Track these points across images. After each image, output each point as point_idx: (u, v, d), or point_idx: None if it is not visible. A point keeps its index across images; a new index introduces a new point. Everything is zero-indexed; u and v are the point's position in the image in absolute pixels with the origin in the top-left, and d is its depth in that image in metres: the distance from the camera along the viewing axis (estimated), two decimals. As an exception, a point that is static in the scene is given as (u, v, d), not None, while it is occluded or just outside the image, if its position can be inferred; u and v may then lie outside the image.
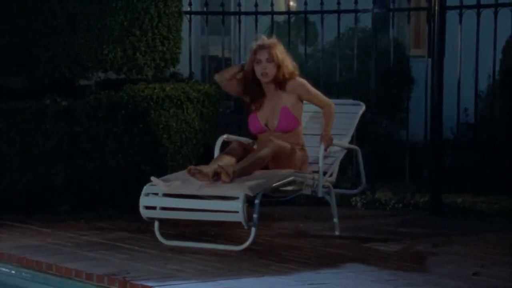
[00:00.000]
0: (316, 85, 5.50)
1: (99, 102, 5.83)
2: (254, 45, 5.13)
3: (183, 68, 6.76)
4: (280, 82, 5.10)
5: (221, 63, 7.15)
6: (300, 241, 5.11)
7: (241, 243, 4.70)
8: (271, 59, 5.06)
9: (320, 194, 5.11)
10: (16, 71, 6.00)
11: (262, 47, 5.10)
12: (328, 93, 5.64)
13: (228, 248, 4.69)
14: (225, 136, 5.42)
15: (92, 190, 5.80)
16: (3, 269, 4.58)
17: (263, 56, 5.07)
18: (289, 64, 5.14)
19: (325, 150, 5.08)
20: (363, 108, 5.59)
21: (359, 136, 6.14)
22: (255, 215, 4.62)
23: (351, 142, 5.61)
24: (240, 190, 4.58)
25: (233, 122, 6.72)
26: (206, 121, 6.30)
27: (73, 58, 5.92)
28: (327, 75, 6.82)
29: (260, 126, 5.14)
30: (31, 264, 4.47)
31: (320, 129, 5.33)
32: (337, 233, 5.26)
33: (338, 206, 5.29)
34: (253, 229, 4.64)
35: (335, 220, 5.26)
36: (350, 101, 5.75)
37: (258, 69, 5.09)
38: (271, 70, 5.08)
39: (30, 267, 4.46)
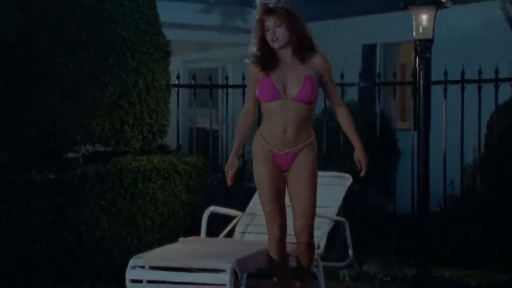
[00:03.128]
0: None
1: (86, 175, 5.83)
2: (258, 10, 4.50)
3: (170, 140, 6.79)
4: (299, 49, 4.48)
5: (208, 135, 7.19)
6: (288, 315, 5.03)
7: (228, 316, 4.63)
8: (280, 22, 4.44)
9: (307, 267, 5.06)
10: (2, 144, 6.00)
11: (267, 11, 4.46)
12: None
13: (214, 322, 4.62)
14: (212, 208, 5.40)
15: (77, 262, 5.74)
16: None
17: (270, 22, 4.46)
18: (307, 32, 4.52)
19: (363, 172, 4.70)
20: (350, 180, 5.61)
21: (346, 208, 6.14)
22: (242, 288, 4.57)
23: (338, 214, 5.60)
24: (227, 262, 4.55)
25: (220, 194, 6.72)
26: (193, 193, 6.29)
27: (61, 131, 5.94)
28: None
29: (275, 91, 4.47)
30: None
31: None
32: (325, 306, 5.20)
33: (326, 279, 5.24)
34: (240, 303, 4.59)
35: (323, 293, 5.20)
36: (337, 173, 5.77)
37: (268, 37, 4.48)
38: (281, 34, 4.45)
39: None
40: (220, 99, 8.94)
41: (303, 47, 4.47)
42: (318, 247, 5.25)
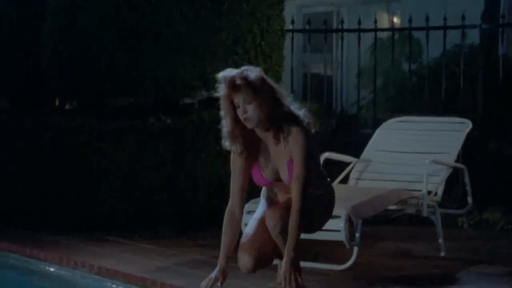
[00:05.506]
0: (420, 102, 5.37)
1: (202, 120, 5.89)
2: (223, 86, 3.79)
3: (284, 86, 6.76)
4: (275, 127, 3.79)
5: (323, 81, 7.12)
6: (404, 262, 4.99)
7: (343, 262, 4.63)
8: (250, 99, 3.75)
9: (425, 214, 4.98)
10: (123, 90, 6.14)
11: (234, 88, 3.76)
12: (433, 111, 5.53)
13: (329, 268, 4.63)
14: (326, 154, 5.38)
15: (194, 208, 5.85)
16: (109, 284, 4.66)
17: (239, 99, 3.76)
18: (282, 103, 3.81)
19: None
20: (469, 126, 5.44)
21: (465, 155, 5.97)
22: (357, 234, 4.54)
23: (457, 161, 5.46)
24: (342, 208, 4.52)
25: (335, 140, 6.67)
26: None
27: (178, 77, 6.02)
28: (432, 92, 6.68)
29: (268, 181, 3.91)
30: (136, 280, 4.53)
31: (422, 146, 5.20)
32: (442, 254, 5.11)
33: (443, 226, 5.15)
34: (355, 249, 4.56)
35: (440, 240, 5.12)
36: (456, 119, 5.60)
37: (240, 116, 3.80)
38: (253, 111, 3.75)
39: (136, 283, 4.52)
40: (335, 43, 8.81)
41: (279, 122, 3.78)
42: (436, 194, 5.15)
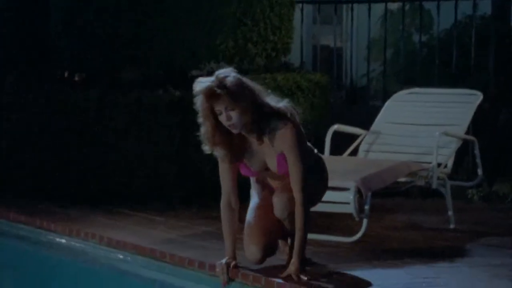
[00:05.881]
0: (431, 74, 5.31)
1: (211, 92, 5.87)
2: (201, 97, 3.74)
3: (294, 57, 6.73)
4: (258, 127, 3.75)
5: (332, 53, 7.08)
6: (413, 234, 4.99)
7: (352, 234, 4.63)
8: (232, 106, 3.68)
9: (434, 186, 4.97)
10: (131, 63, 6.12)
11: (214, 98, 3.68)
12: (444, 82, 5.49)
13: (338, 240, 4.63)
14: (335, 126, 5.36)
15: (203, 180, 5.85)
16: (119, 256, 4.68)
17: (220, 106, 3.69)
18: (264, 103, 3.76)
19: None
20: (480, 98, 5.40)
21: (476, 127, 5.94)
22: (366, 207, 4.54)
23: (467, 133, 5.43)
24: (351, 181, 4.50)
25: (344, 113, 6.64)
26: (317, 112, 6.23)
27: (186, 49, 5.99)
28: (443, 64, 6.63)
29: (256, 172, 3.92)
30: (145, 251, 4.55)
31: (433, 118, 5.18)
32: (452, 226, 5.11)
33: (453, 198, 5.14)
34: (364, 221, 4.56)
35: (450, 213, 5.11)
36: (467, 90, 5.56)
37: (223, 122, 3.74)
38: (237, 118, 3.69)
39: (145, 254, 4.54)
40: (345, 15, 8.75)
41: (263, 122, 3.73)
42: (446, 166, 5.13)
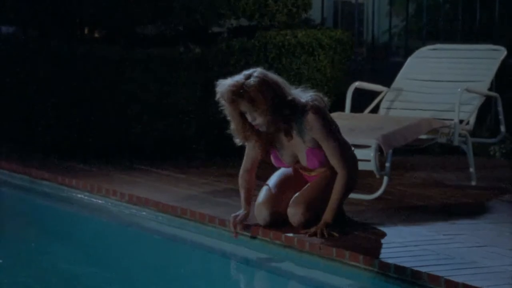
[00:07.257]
0: (453, 29, 5.23)
1: (232, 49, 5.84)
2: (219, 96, 3.80)
3: (315, 14, 6.66)
4: (285, 122, 3.83)
5: (354, 8, 7.00)
6: (434, 191, 4.97)
7: (373, 192, 4.62)
8: (255, 107, 3.74)
9: (456, 143, 4.94)
10: (151, 18, 6.09)
11: (235, 101, 3.75)
12: (467, 38, 5.41)
13: (359, 197, 4.62)
14: (356, 83, 5.32)
15: (224, 136, 5.85)
16: (141, 213, 4.71)
17: (244, 107, 3.77)
18: (288, 94, 3.82)
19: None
20: (504, 53, 5.33)
21: (499, 83, 5.88)
22: (387, 164, 4.52)
23: (490, 89, 5.37)
24: (372, 138, 4.48)
25: (365, 69, 6.59)
26: (338, 68, 6.19)
27: (206, 5, 5.95)
28: (466, 19, 6.54)
29: (287, 165, 4.01)
30: (166, 208, 4.57)
31: (455, 74, 5.12)
32: (473, 183, 5.08)
33: (475, 155, 5.11)
34: (385, 178, 4.55)
35: (472, 169, 5.08)
36: (490, 46, 5.49)
37: (250, 120, 3.82)
38: (262, 118, 3.77)
39: (166, 211, 4.56)
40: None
41: (288, 118, 3.81)
42: (468, 122, 5.09)
